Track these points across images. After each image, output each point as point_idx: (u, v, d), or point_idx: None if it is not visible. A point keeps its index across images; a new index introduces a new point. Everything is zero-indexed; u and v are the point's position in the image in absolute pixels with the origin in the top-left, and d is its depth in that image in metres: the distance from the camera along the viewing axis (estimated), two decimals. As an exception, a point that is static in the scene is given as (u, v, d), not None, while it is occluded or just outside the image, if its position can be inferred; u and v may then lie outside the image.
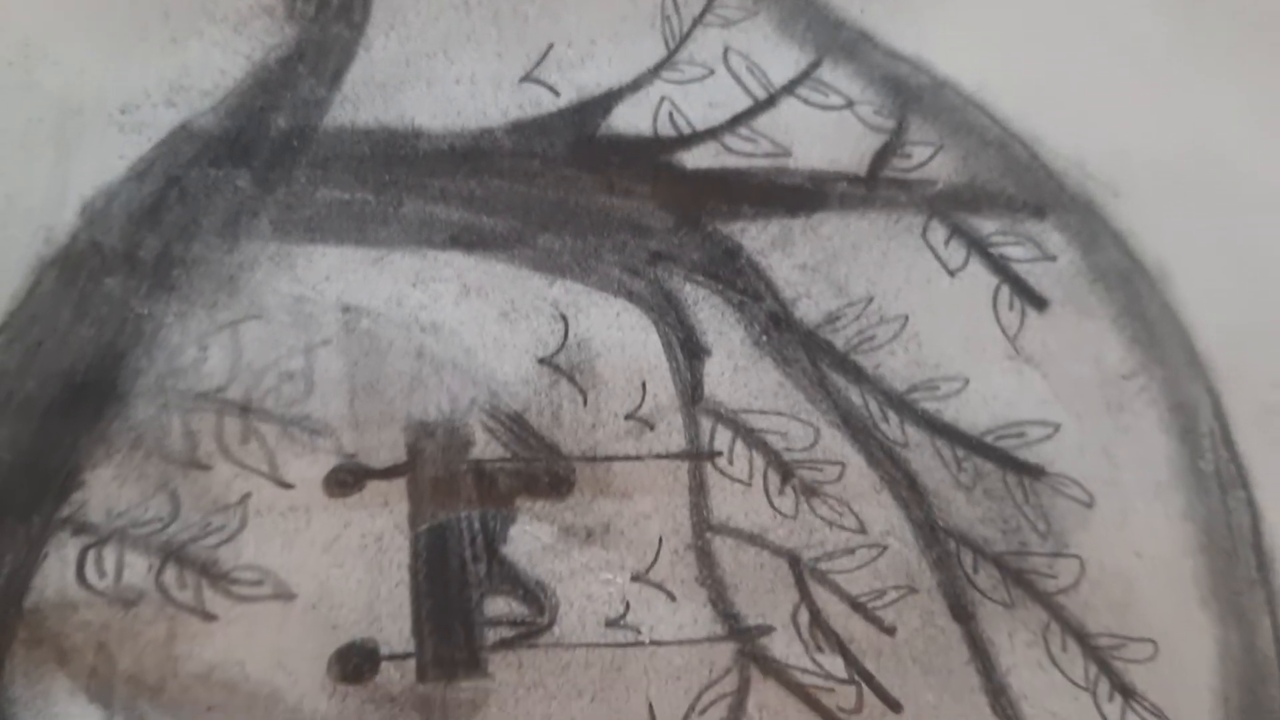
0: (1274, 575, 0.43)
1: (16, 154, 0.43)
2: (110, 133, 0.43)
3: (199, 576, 0.38)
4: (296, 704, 0.37)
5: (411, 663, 0.38)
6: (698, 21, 0.46)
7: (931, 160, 0.46)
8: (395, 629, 0.38)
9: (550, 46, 0.44)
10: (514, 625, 0.39)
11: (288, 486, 0.39)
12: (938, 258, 0.45)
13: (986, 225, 0.46)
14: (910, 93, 0.46)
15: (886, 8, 0.46)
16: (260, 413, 0.40)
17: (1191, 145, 0.47)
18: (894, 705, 0.39)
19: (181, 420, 0.40)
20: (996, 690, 0.40)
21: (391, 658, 0.38)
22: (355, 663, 0.37)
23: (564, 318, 0.42)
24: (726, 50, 0.45)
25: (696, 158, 0.45)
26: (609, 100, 0.45)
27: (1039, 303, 0.45)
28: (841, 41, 0.46)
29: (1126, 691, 0.40)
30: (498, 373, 0.41)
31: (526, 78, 0.44)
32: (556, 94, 0.45)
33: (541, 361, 0.41)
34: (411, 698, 0.38)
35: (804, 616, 0.40)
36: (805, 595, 0.41)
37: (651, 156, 0.45)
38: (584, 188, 0.45)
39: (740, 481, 0.41)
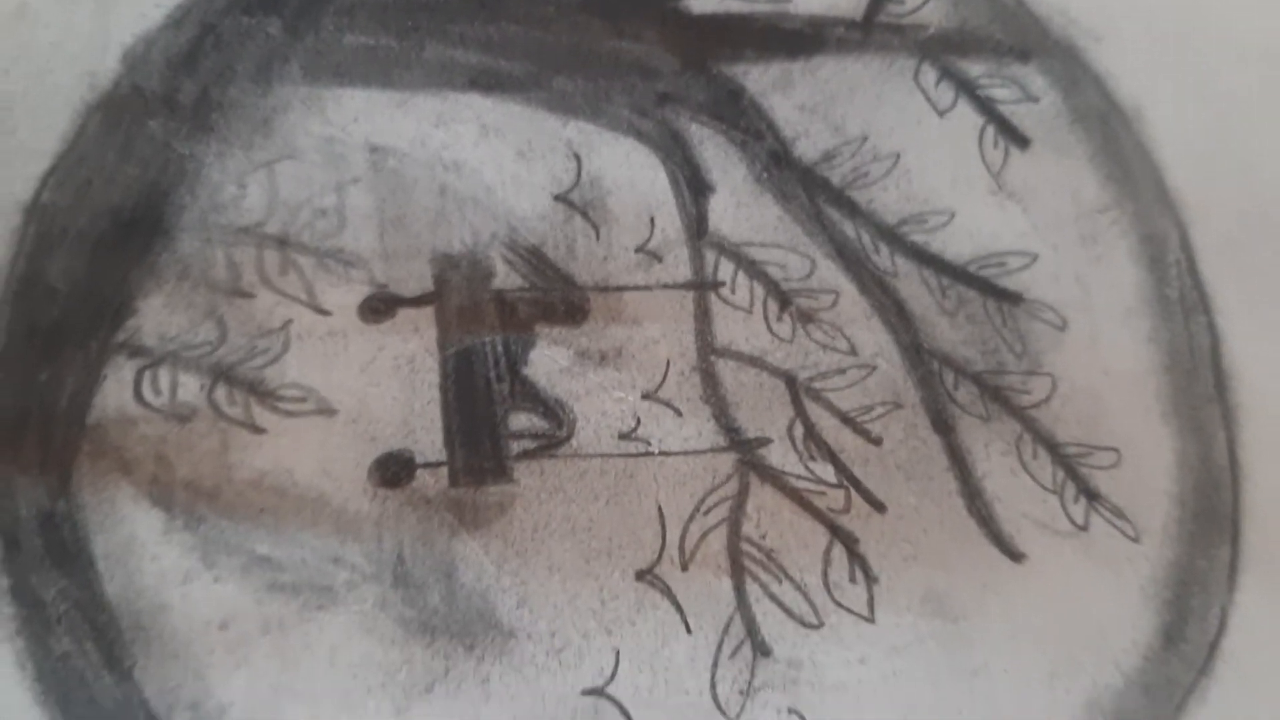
0: (1230, 392, 0.46)
1: (59, 3, 0.44)
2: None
3: (247, 394, 0.41)
4: (341, 506, 0.40)
5: (444, 470, 0.41)
6: None
7: (924, 6, 0.48)
8: (428, 441, 0.41)
9: None
10: (536, 438, 0.42)
11: (325, 313, 0.42)
12: (928, 99, 0.47)
13: (974, 68, 0.47)
14: None
15: None
16: (297, 246, 0.43)
17: None
18: (879, 506, 0.43)
19: (224, 253, 0.43)
20: (973, 494, 0.44)
21: (426, 465, 0.41)
22: (393, 470, 0.41)
23: (577, 156, 0.44)
24: None
25: (701, 3, 0.47)
26: None
27: (1022, 141, 0.47)
28: None
29: (1091, 495, 0.44)
30: (516, 209, 0.44)
31: None
32: None
33: (557, 198, 0.44)
34: (445, 501, 0.41)
35: (799, 430, 0.43)
36: (800, 411, 0.44)
37: (659, 2, 0.47)
38: (595, 32, 0.46)
39: (741, 309, 0.44)
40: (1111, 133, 0.47)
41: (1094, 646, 0.43)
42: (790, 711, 0.41)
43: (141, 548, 0.41)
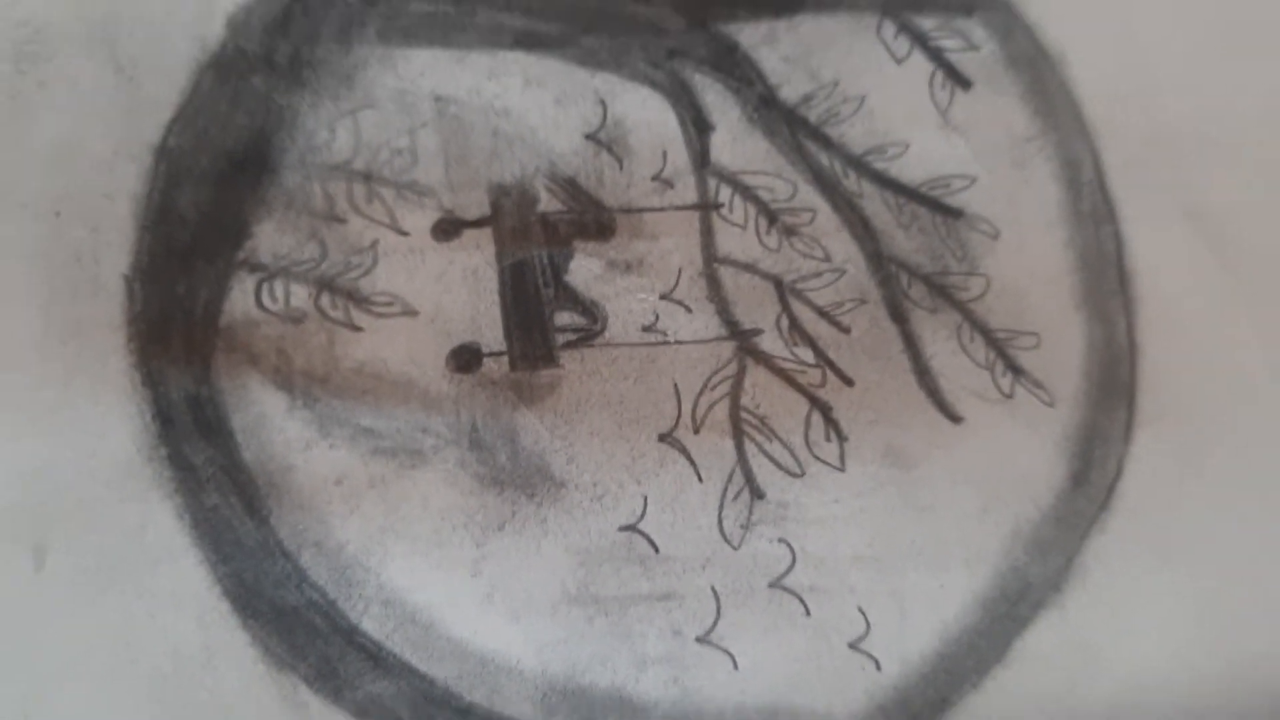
0: (1130, 287, 0.53)
1: None
2: None
3: (346, 300, 0.49)
4: (425, 388, 0.49)
5: (505, 358, 0.49)
6: None
7: None
8: (491, 335, 0.50)
9: None
10: (576, 331, 0.50)
11: (404, 234, 0.50)
12: (888, 49, 0.54)
13: (926, 23, 0.54)
14: None
15: None
16: (379, 179, 0.50)
17: None
18: (848, 381, 0.51)
19: (320, 186, 0.50)
20: (922, 370, 0.52)
21: (490, 354, 0.49)
22: (465, 358, 0.49)
23: (603, 103, 0.52)
24: None
25: None
26: None
27: (965, 83, 0.54)
28: None
29: (1016, 370, 0.52)
30: (555, 146, 0.51)
31: None
32: None
33: (587, 137, 0.51)
34: (507, 382, 0.49)
35: (784, 322, 0.51)
36: (786, 307, 0.51)
37: None
38: (611, 10, 0.53)
39: (738, 225, 0.52)
40: (1039, 74, 0.54)
41: (1017, 488, 0.51)
42: (780, 540, 0.49)
43: (270, 422, 0.48)
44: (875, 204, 0.53)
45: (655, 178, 0.52)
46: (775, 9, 0.53)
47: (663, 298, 0.51)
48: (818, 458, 0.51)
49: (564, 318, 0.51)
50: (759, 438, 0.51)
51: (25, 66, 0.50)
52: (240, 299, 0.49)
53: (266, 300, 0.50)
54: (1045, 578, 0.51)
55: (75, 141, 0.50)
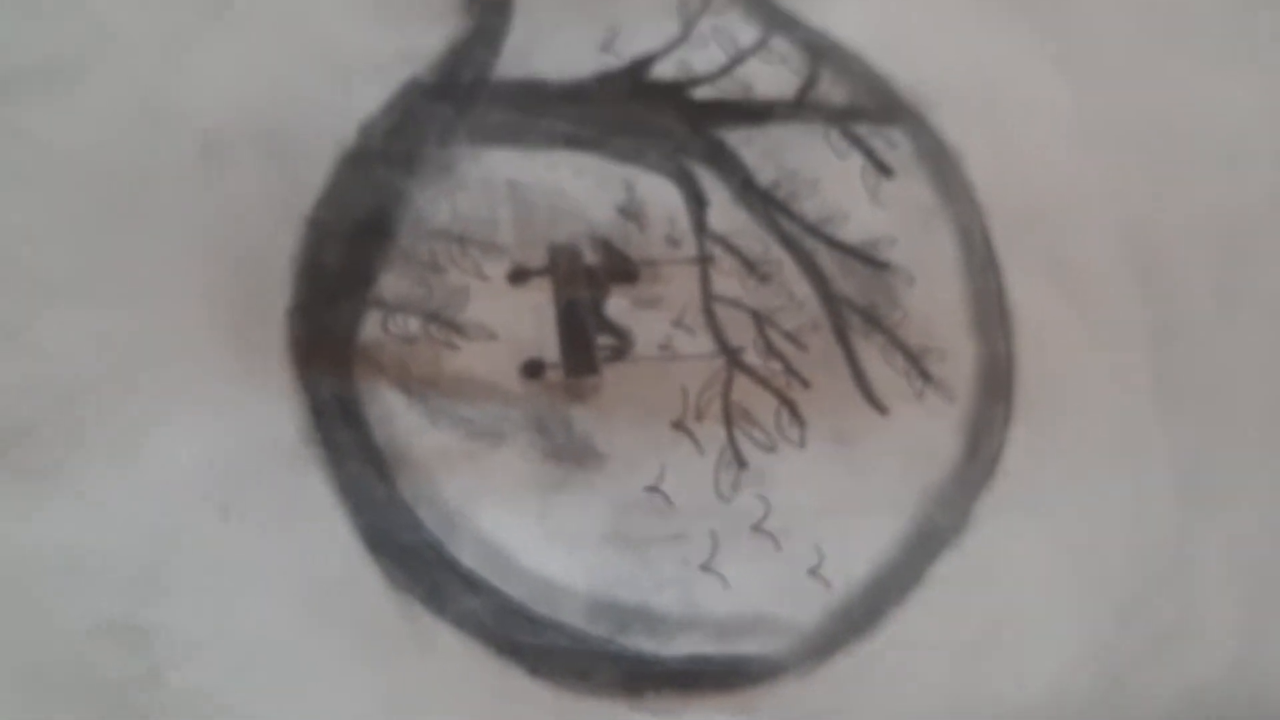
0: (1008, 317, 0.61)
1: (320, 91, 0.57)
2: (374, 76, 0.58)
3: (447, 328, 0.57)
4: (504, 389, 0.57)
5: (561, 369, 0.57)
6: (699, 14, 0.61)
7: (832, 90, 0.62)
8: (551, 352, 0.57)
9: (618, 28, 0.61)
10: (612, 349, 0.58)
11: (487, 280, 0.57)
12: (832, 148, 0.62)
13: (860, 129, 0.62)
14: (821, 51, 0.62)
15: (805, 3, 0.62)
16: (469, 241, 0.57)
17: (982, 76, 0.64)
18: (806, 384, 0.59)
19: (427, 246, 0.57)
20: (859, 376, 0.60)
21: (551, 366, 0.57)
22: (533, 369, 0.57)
23: (629, 186, 0.59)
24: (715, 28, 0.61)
25: (701, 93, 0.61)
26: (649, 61, 0.61)
27: (888, 172, 0.62)
28: (780, 21, 0.62)
29: (926, 376, 0.60)
30: (595, 217, 0.59)
31: (603, 49, 0.61)
32: (620, 58, 0.60)
33: (619, 210, 0.59)
34: (563, 385, 0.57)
35: (761, 343, 0.59)
36: (761, 332, 0.59)
37: (675, 93, 0.61)
38: (637, 112, 0.60)
39: (727, 273, 0.59)
40: (942, 166, 0.62)
41: (928, 459, 0.60)
42: (759, 496, 0.58)
43: (394, 414, 0.56)
44: (825, 258, 0.61)
45: (667, 238, 0.59)
46: (751, 119, 0.61)
47: (674, 325, 0.59)
48: (786, 439, 0.59)
49: (603, 339, 0.58)
50: (744, 424, 0.59)
51: (209, 158, 0.56)
52: (371, 327, 0.56)
53: (390, 327, 0.57)
54: (948, 525, 0.60)
55: (247, 213, 0.56)
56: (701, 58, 0.61)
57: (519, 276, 0.59)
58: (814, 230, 0.61)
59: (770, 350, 0.60)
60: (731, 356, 0.60)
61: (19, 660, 0.53)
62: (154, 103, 0.57)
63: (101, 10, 0.58)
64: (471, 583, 0.56)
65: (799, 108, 0.62)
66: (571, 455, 0.58)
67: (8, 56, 0.56)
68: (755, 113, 0.61)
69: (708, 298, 0.60)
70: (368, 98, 0.58)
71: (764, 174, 0.61)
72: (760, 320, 0.60)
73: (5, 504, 0.54)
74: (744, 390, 0.60)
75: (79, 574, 0.53)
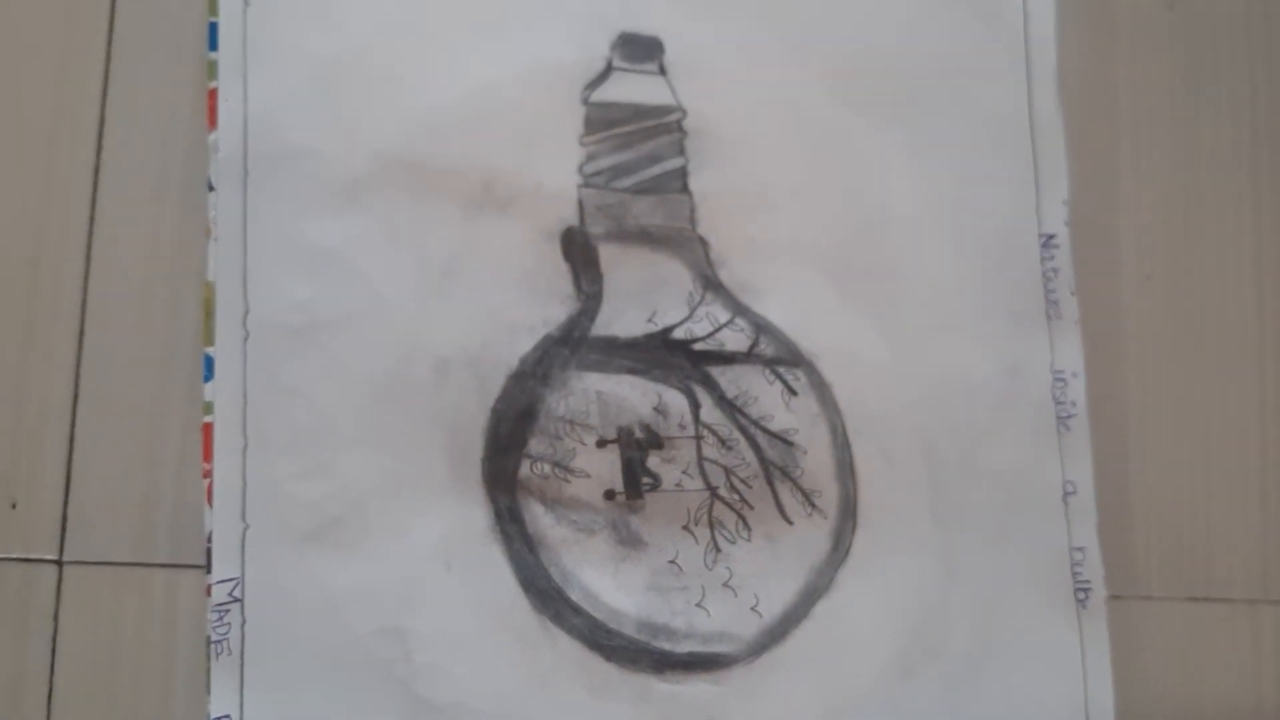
0: (855, 476, 0.86)
1: (500, 338, 0.84)
2: (528, 331, 0.85)
3: (565, 470, 0.82)
4: (596, 506, 0.85)
5: (624, 495, 0.83)
6: (699, 304, 0.85)
7: (766, 347, 0.88)
8: (619, 485, 0.85)
9: (657, 310, 0.85)
10: (651, 485, 0.85)
11: (584, 444, 0.83)
12: (766, 380, 0.86)
13: (780, 369, 0.87)
14: (761, 325, 0.88)
15: (753, 300, 0.87)
16: (577, 423, 0.83)
17: (843, 342, 0.87)
18: (750, 507, 0.85)
19: (554, 425, 0.83)
20: (779, 504, 0.86)
21: (619, 493, 0.84)
22: (610, 494, 0.85)
23: (660, 395, 0.84)
24: (707, 312, 0.86)
25: (699, 346, 0.87)
26: (672, 328, 0.87)
27: (794, 393, 0.87)
28: (740, 309, 0.87)
29: (812, 505, 0.85)
30: (640, 410, 0.84)
31: (649, 321, 0.84)
32: (657, 325, 0.86)
33: (654, 408, 0.85)
34: (626, 504, 0.84)
35: (728, 484, 0.86)
36: (728, 478, 0.85)
37: (684, 346, 0.87)
38: (664, 357, 0.86)
39: (711, 446, 0.86)
40: (823, 391, 0.88)
41: (813, 549, 0.85)
42: (727, 567, 0.85)
43: (538, 517, 0.82)
44: (761, 439, 0.86)
45: (679, 425, 0.84)
46: (724, 362, 0.85)
47: (682, 473, 0.87)
48: (740, 536, 0.86)
49: (646, 480, 0.84)
50: (719, 528, 0.87)
51: (440, 373, 0.83)
52: (525, 469, 0.81)
53: (535, 469, 0.82)
54: (823, 585, 0.86)
55: (460, 404, 0.83)
56: (699, 327, 0.86)
57: (601, 443, 0.83)
58: (755, 423, 0.85)
59: (733, 489, 0.85)
60: (713, 492, 0.85)
61: (332, 651, 0.75)
62: (408, 340, 0.81)
63: (377, 279, 0.84)
64: (577, 610, 0.80)
65: (749, 356, 0.86)
66: (629, 542, 0.83)
67: (312, 312, 0.81)
68: (726, 358, 0.86)
69: (700, 459, 0.85)
70: (525, 343, 0.84)
71: (730, 391, 0.86)
72: (728, 472, 0.85)
73: (327, 563, 0.78)
74: (720, 510, 0.85)
75: (367, 601, 0.76)
